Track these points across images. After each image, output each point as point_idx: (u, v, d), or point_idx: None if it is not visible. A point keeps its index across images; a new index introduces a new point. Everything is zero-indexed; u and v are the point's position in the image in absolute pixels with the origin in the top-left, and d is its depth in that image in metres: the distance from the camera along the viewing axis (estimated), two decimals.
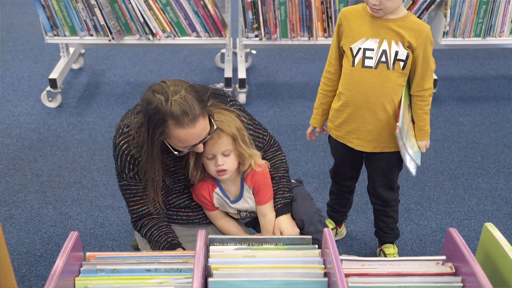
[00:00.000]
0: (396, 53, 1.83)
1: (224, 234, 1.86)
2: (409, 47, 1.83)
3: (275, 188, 1.85)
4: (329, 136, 2.12)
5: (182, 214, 1.87)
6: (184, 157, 1.75)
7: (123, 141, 1.69)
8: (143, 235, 1.82)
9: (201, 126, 1.57)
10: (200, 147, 1.65)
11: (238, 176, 1.81)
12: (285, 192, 1.85)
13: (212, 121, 1.64)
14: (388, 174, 2.07)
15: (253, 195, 1.83)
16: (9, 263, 1.30)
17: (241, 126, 1.73)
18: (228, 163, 1.71)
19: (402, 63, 1.85)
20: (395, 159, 2.02)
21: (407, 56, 1.84)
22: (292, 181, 1.94)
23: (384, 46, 1.84)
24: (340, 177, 2.21)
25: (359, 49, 1.85)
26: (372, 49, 1.85)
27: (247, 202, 1.84)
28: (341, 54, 1.95)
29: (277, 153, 1.91)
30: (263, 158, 1.87)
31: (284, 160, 1.91)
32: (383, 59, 1.85)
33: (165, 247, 1.75)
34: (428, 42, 1.85)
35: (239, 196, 1.83)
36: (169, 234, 1.77)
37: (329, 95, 2.04)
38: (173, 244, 1.75)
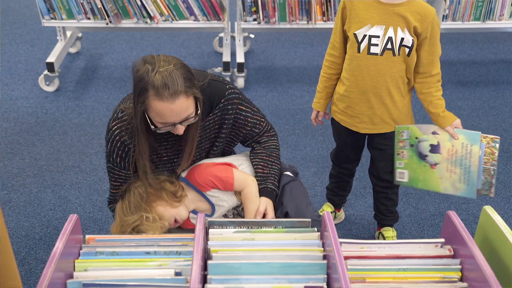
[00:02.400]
0: (402, 39, 1.81)
1: None
2: (415, 32, 1.80)
3: (266, 172, 1.81)
4: (332, 119, 2.11)
5: None
6: (174, 146, 1.74)
7: (116, 126, 1.68)
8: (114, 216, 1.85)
9: (181, 104, 1.53)
10: (179, 129, 1.60)
11: (191, 191, 1.76)
12: (275, 180, 1.81)
13: (199, 105, 1.60)
14: (392, 153, 2.06)
15: (218, 189, 1.77)
16: (10, 246, 1.30)
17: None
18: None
19: (407, 49, 1.82)
20: None
21: (413, 43, 1.82)
22: (289, 173, 1.88)
23: (390, 33, 1.81)
24: (341, 160, 2.20)
25: (365, 36, 1.82)
26: (378, 36, 1.82)
27: (224, 201, 1.79)
28: (345, 37, 1.91)
29: (272, 138, 1.89)
30: (257, 141, 1.87)
31: (277, 147, 1.89)
32: (389, 46, 1.82)
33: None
34: (435, 26, 1.81)
35: (212, 205, 1.79)
36: None
37: (333, 78, 2.02)
38: None
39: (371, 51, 1.83)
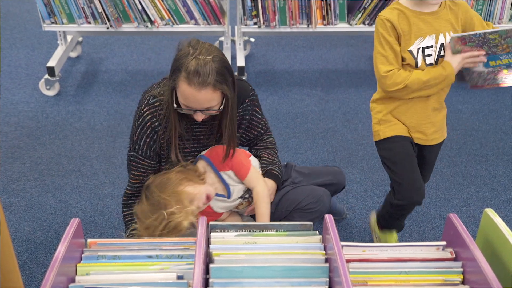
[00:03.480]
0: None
1: None
2: (462, 24, 1.84)
3: (271, 158, 1.91)
4: (385, 140, 1.96)
5: None
6: (199, 139, 1.80)
7: (147, 112, 1.72)
8: (123, 212, 1.86)
9: (206, 96, 1.59)
10: (199, 116, 1.66)
11: (210, 172, 1.81)
12: (279, 167, 1.92)
13: (225, 101, 1.66)
14: (433, 165, 2.08)
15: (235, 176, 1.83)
16: (12, 250, 1.31)
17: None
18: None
19: None
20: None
21: None
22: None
23: (441, 39, 1.81)
24: (417, 186, 1.92)
25: (418, 49, 1.81)
26: (431, 46, 1.81)
27: (238, 185, 1.84)
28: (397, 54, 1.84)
29: (271, 136, 2.00)
30: (260, 139, 1.96)
31: (275, 144, 2.00)
32: (442, 52, 1.82)
33: (126, 233, 1.81)
34: (467, 5, 1.87)
35: (227, 188, 1.83)
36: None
37: None
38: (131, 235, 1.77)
39: (427, 62, 1.82)
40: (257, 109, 1.89)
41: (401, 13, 1.80)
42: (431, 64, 1.82)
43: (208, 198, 1.75)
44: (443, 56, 1.82)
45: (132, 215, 1.80)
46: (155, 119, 1.72)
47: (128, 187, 1.85)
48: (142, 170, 1.80)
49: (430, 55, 1.82)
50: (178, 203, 1.64)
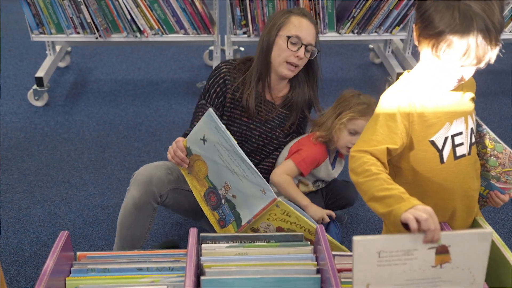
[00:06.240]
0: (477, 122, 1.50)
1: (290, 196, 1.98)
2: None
3: None
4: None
5: None
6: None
7: (225, 66, 1.98)
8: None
9: (312, 29, 1.94)
10: (301, 52, 1.90)
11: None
12: None
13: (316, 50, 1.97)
14: None
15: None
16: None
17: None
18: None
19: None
20: None
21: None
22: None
23: (470, 122, 1.42)
24: None
25: (446, 138, 1.38)
26: (461, 133, 1.40)
27: (335, 172, 2.13)
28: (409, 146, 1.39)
29: None
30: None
31: None
32: (473, 139, 1.44)
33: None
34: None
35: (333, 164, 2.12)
36: None
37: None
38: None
39: (458, 154, 1.40)
40: (305, 122, 2.19)
41: (418, 98, 1.36)
42: (464, 155, 1.41)
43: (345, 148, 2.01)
44: (474, 142, 1.44)
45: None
46: (229, 73, 1.96)
47: (185, 133, 1.95)
48: None
49: (462, 144, 1.40)
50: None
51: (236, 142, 1.61)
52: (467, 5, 1.21)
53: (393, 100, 1.35)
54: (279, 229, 1.62)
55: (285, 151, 2.08)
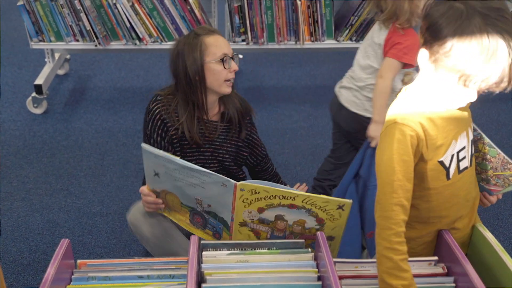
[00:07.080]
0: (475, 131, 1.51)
1: None
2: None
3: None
4: None
5: None
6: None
7: (156, 107, 1.93)
8: None
9: (225, 41, 1.92)
10: (234, 65, 1.90)
11: None
12: None
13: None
14: None
15: None
16: (0, 272, 1.28)
17: None
18: None
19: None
20: None
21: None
22: None
23: (470, 134, 1.44)
24: None
25: (452, 156, 1.38)
26: (464, 147, 1.40)
27: None
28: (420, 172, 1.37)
29: (273, 165, 2.29)
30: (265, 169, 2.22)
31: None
32: (473, 150, 1.46)
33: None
34: None
35: None
36: None
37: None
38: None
39: (461, 168, 1.40)
40: (254, 129, 2.14)
41: (427, 120, 1.32)
42: (466, 168, 1.41)
43: None
44: (473, 153, 1.45)
45: None
46: (163, 112, 1.91)
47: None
48: None
49: (464, 158, 1.40)
50: None
51: (178, 158, 1.66)
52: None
53: (403, 126, 1.30)
54: (260, 210, 1.60)
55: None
